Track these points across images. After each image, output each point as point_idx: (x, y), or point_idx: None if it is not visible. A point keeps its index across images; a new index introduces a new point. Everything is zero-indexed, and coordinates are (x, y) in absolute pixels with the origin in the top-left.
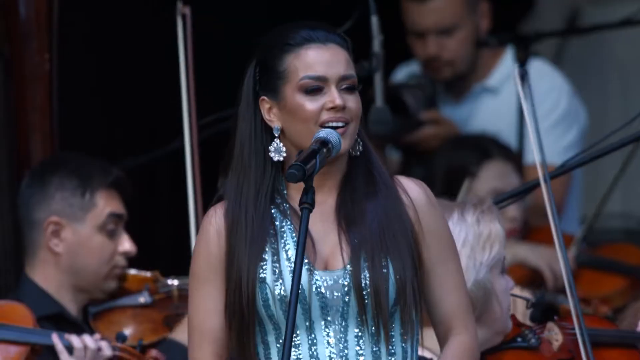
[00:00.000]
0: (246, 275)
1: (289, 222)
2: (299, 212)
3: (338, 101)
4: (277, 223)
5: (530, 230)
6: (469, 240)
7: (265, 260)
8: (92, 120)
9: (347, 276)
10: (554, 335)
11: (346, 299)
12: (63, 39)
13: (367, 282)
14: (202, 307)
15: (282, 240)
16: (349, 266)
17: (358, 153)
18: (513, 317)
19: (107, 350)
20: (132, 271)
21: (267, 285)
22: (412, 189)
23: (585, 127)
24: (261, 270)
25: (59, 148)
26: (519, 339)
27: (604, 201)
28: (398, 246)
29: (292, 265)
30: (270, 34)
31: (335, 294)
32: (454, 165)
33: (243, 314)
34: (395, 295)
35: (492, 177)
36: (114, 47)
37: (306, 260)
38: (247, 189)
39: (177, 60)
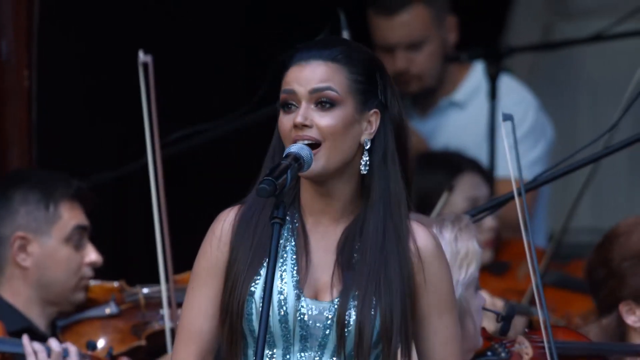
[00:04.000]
0: (240, 284)
1: (293, 242)
2: (307, 233)
3: (298, 118)
4: (281, 241)
5: (500, 243)
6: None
7: (260, 275)
8: (70, 135)
9: (333, 310)
10: (524, 348)
11: (327, 332)
12: (42, 55)
13: (351, 321)
14: (194, 307)
15: (281, 260)
16: (337, 300)
17: (365, 171)
18: (483, 330)
19: (74, 357)
20: (98, 282)
21: (253, 300)
22: (421, 238)
23: (552, 141)
24: (253, 284)
25: (37, 163)
26: (489, 353)
27: (569, 217)
28: (391, 295)
29: (282, 286)
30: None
31: (318, 324)
32: (426, 185)
33: (233, 318)
34: (376, 340)
35: (467, 187)
36: (93, 62)
37: (297, 285)
38: None
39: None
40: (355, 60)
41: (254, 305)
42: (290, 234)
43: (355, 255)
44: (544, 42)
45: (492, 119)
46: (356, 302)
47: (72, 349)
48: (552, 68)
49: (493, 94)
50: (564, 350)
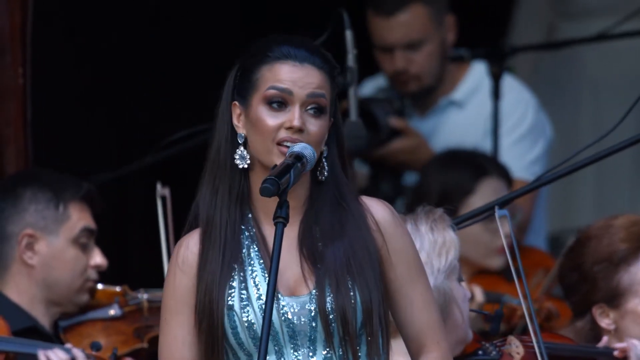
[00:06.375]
0: (216, 302)
1: (255, 248)
2: (266, 237)
3: (296, 122)
4: (244, 250)
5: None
6: (425, 247)
7: (233, 287)
8: (66, 135)
9: (313, 301)
10: (515, 348)
11: (313, 324)
12: (37, 53)
13: (333, 307)
14: (171, 338)
15: (250, 267)
16: (314, 291)
17: (323, 178)
18: (474, 333)
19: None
20: (101, 286)
21: (234, 313)
22: (377, 211)
23: (551, 140)
24: (229, 298)
25: (33, 162)
26: (480, 352)
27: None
28: (364, 276)
29: (259, 292)
30: (259, 41)
31: (303, 319)
32: (449, 183)
33: (214, 338)
34: (362, 321)
35: (489, 193)
36: (88, 60)
37: None
38: (222, 190)
39: (149, 70)
40: (332, 68)
41: (236, 318)
42: (249, 241)
43: (319, 244)
44: (547, 42)
45: (495, 118)
46: (332, 289)
47: (77, 353)
48: (555, 68)
49: (496, 94)
50: (555, 350)
